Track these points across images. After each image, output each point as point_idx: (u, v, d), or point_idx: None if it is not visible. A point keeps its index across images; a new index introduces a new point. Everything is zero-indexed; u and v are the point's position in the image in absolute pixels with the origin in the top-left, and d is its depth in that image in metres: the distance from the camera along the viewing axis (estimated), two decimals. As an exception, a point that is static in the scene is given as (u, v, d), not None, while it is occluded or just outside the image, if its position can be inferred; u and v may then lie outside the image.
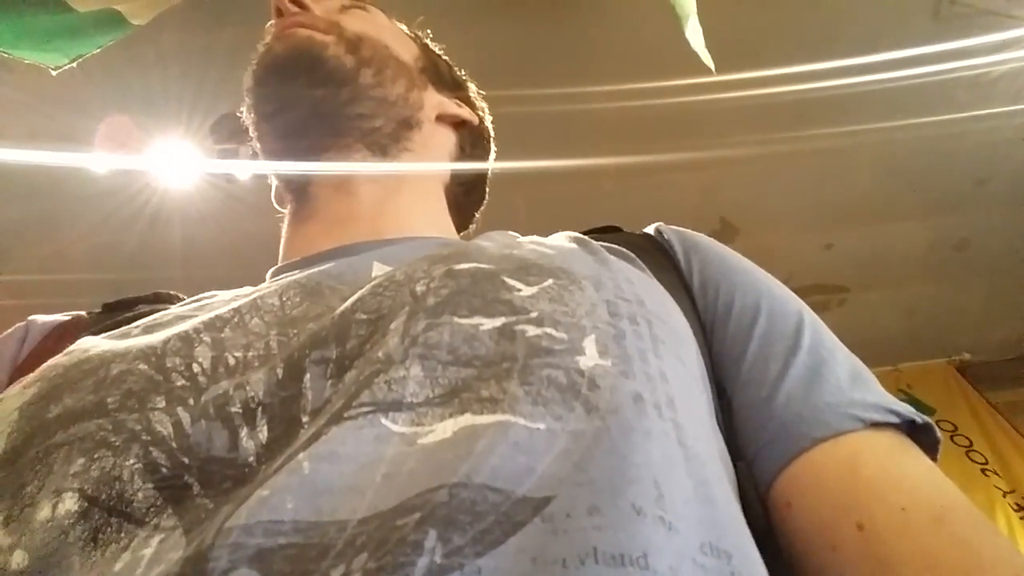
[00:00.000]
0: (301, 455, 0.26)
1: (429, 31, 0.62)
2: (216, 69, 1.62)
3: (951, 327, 2.60)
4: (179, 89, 1.68)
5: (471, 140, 0.60)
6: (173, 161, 1.78)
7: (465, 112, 0.58)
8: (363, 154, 0.51)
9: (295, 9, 0.52)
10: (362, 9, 0.56)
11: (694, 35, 1.22)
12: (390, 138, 0.51)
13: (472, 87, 0.63)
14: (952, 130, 1.89)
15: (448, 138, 0.57)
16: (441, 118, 0.56)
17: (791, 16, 1.67)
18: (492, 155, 0.64)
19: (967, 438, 2.41)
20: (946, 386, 2.62)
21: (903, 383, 2.61)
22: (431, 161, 0.55)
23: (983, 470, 2.34)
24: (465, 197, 0.60)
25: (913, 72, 1.70)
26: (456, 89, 0.60)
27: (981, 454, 2.38)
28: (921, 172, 2.08)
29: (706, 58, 1.25)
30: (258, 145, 0.53)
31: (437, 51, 0.61)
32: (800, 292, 0.43)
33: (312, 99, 0.49)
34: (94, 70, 1.21)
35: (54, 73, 1.18)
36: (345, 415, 0.27)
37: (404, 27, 0.60)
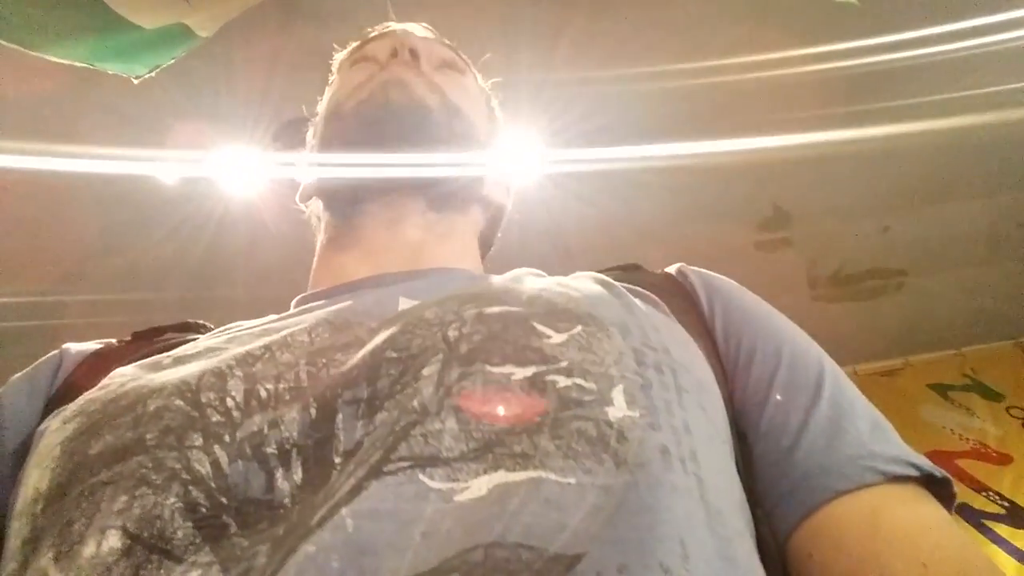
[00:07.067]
0: (344, 510, 0.27)
1: (497, 80, 0.64)
2: (281, 75, 1.67)
3: (1017, 308, 2.52)
4: (245, 95, 1.72)
5: (496, 223, 0.62)
6: (239, 168, 1.84)
7: (507, 202, 0.62)
8: (419, 204, 0.52)
9: (408, 58, 0.55)
10: (458, 72, 0.59)
11: None
12: (449, 202, 0.54)
13: None
14: (1012, 103, 1.84)
15: (484, 215, 0.59)
16: (488, 197, 0.58)
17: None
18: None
19: (1039, 423, 2.32)
20: (1014, 369, 2.51)
21: (967, 368, 2.52)
22: (466, 235, 0.56)
23: (1056, 455, 2.25)
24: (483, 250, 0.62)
25: (971, 44, 1.66)
26: None
27: (1053, 439, 2.29)
28: (981, 148, 2.02)
29: None
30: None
31: (494, 105, 0.64)
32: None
33: (407, 151, 0.51)
34: (162, 78, 1.27)
35: (136, 82, 1.25)
36: (384, 469, 0.29)
37: (478, 76, 0.63)
